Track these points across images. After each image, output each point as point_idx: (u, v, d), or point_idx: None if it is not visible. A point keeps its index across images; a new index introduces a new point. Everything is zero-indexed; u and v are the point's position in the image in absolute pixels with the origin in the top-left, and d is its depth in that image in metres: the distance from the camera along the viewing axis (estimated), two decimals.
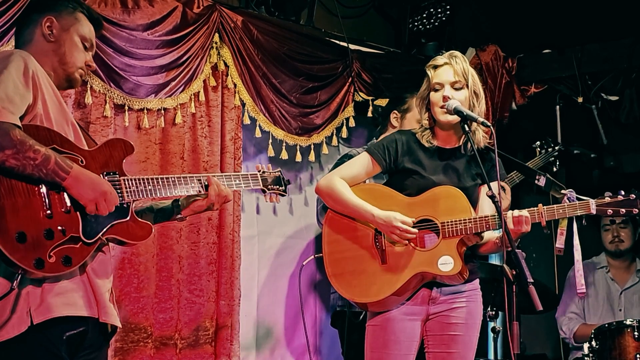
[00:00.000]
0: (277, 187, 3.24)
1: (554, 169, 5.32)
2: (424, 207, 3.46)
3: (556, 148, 5.28)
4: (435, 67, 3.52)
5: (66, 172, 2.59)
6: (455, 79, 3.47)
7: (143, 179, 2.84)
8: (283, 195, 3.26)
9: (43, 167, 2.55)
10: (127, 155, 2.83)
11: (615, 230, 5.55)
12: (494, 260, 6.04)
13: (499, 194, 3.22)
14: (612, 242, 5.56)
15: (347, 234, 3.54)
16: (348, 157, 4.27)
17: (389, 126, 4.61)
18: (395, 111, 4.59)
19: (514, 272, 3.04)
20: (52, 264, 2.55)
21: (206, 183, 3.00)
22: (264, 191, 3.21)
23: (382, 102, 5.15)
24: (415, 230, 3.40)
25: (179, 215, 3.10)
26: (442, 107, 3.45)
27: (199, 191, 3.00)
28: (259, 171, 3.22)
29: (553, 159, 5.32)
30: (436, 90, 3.50)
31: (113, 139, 2.93)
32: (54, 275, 2.58)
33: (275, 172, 3.26)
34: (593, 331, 4.87)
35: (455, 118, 3.45)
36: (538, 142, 5.31)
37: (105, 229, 2.70)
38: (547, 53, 6.01)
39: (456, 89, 3.47)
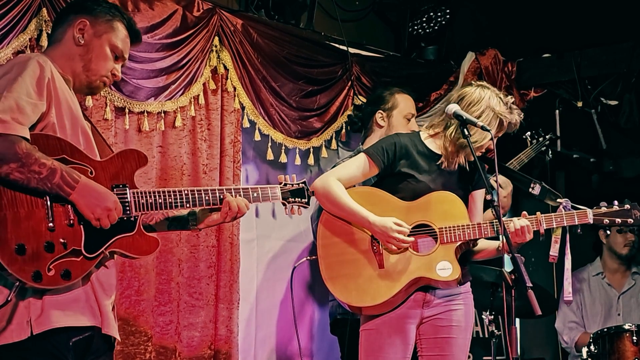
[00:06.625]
0: (299, 199, 3.11)
1: (547, 158, 5.31)
2: (421, 211, 3.46)
3: (547, 137, 5.27)
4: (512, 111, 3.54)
5: (71, 187, 2.56)
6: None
7: (154, 192, 2.78)
8: (305, 207, 3.14)
9: (48, 182, 2.53)
10: (139, 167, 2.77)
11: (630, 235, 5.54)
12: (494, 264, 6.04)
13: (498, 199, 3.23)
14: (627, 246, 5.55)
15: (343, 237, 3.52)
16: None
17: (375, 127, 4.54)
18: (380, 111, 4.52)
19: (513, 277, 3.05)
20: (51, 277, 2.53)
21: (221, 197, 2.91)
22: (284, 204, 3.10)
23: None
24: (410, 239, 3.40)
25: (194, 227, 3.01)
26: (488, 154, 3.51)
27: (213, 204, 2.91)
28: (281, 183, 3.10)
29: (545, 148, 5.30)
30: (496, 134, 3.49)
31: (127, 149, 2.85)
32: (52, 288, 2.56)
33: (298, 184, 3.12)
34: (592, 335, 4.88)
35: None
36: (529, 133, 5.30)
37: (108, 244, 2.67)
38: (546, 57, 6.01)
39: None
